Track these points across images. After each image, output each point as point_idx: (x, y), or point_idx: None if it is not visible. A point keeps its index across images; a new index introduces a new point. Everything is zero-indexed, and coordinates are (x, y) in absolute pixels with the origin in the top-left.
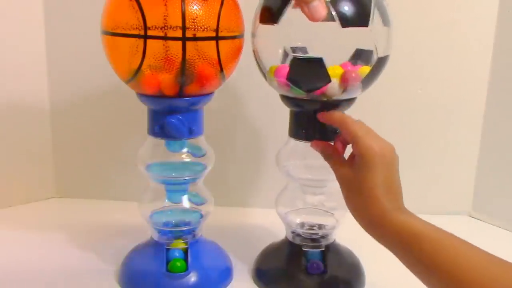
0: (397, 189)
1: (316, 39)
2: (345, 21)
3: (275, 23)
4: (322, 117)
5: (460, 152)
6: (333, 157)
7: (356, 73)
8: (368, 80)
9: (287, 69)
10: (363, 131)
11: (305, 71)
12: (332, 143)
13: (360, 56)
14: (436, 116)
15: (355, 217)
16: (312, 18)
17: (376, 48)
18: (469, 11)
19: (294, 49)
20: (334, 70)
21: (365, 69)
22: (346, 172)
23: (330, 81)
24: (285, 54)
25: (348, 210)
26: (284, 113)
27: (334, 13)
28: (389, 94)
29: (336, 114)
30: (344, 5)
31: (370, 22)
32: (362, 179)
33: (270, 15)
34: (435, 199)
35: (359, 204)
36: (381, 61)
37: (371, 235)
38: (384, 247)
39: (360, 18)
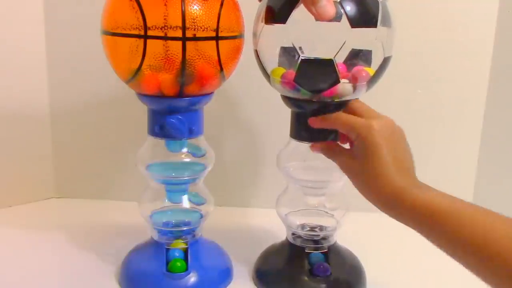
0: (408, 164)
1: (321, 39)
2: (355, 22)
3: (283, 23)
4: (314, 123)
5: (460, 152)
6: (335, 151)
7: (366, 72)
8: (372, 80)
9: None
10: (358, 113)
11: (315, 73)
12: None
13: (358, 56)
14: (436, 116)
15: (371, 201)
16: (319, 17)
17: (383, 48)
18: (469, 11)
19: (290, 49)
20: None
21: (368, 70)
22: (349, 160)
23: (339, 82)
24: (285, 54)
25: (349, 211)
26: (284, 113)
27: (343, 13)
28: (389, 94)
29: (327, 117)
30: (353, 5)
31: (378, 22)
32: (367, 161)
33: (277, 15)
34: None
35: (371, 187)
36: (386, 61)
37: (389, 215)
38: (404, 224)
39: (369, 19)
